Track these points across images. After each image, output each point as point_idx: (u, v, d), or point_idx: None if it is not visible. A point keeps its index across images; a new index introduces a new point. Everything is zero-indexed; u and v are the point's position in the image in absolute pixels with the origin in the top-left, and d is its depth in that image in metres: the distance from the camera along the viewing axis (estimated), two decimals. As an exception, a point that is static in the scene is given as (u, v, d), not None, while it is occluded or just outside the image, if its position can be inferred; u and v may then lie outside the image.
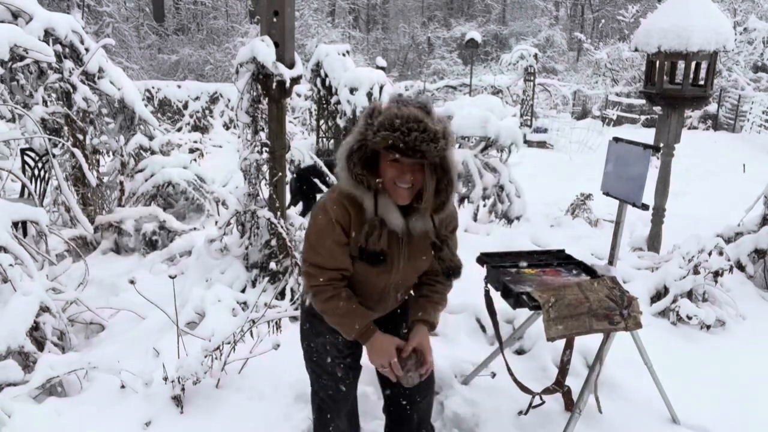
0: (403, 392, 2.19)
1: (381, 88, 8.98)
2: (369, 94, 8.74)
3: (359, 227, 1.80)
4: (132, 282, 2.94)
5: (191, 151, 8.71)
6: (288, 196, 4.73)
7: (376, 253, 1.79)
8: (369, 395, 2.87)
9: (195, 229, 5.43)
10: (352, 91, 8.68)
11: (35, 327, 3.11)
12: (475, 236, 5.30)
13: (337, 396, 2.14)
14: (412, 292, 2.12)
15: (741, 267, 4.54)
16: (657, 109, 11.75)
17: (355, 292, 1.92)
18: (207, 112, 13.82)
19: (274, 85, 3.62)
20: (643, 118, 16.89)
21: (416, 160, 1.68)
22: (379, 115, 1.67)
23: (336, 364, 2.09)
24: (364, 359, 2.11)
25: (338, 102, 8.89)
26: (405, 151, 1.64)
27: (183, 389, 2.73)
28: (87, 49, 5.16)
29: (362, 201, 1.77)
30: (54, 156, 4.84)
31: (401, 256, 1.89)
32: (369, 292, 1.95)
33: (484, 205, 6.00)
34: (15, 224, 3.49)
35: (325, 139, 9.60)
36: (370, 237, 1.77)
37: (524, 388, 2.62)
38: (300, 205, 5.99)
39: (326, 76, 9.12)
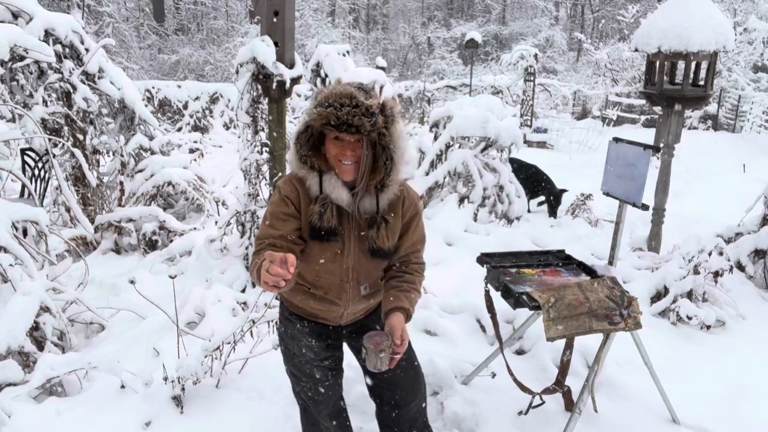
0: (389, 399, 2.18)
1: (381, 88, 8.97)
2: (369, 94, 8.72)
3: (307, 206, 1.84)
4: (132, 282, 2.94)
5: (191, 151, 8.71)
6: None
7: (326, 229, 1.81)
8: (368, 396, 2.87)
9: (195, 229, 5.43)
10: (352, 91, 8.67)
11: (35, 327, 3.11)
12: (475, 236, 5.30)
13: (317, 397, 2.14)
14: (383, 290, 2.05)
15: (741, 267, 4.54)
16: (657, 109, 11.75)
17: (315, 285, 1.94)
18: (207, 112, 13.81)
19: (274, 85, 3.63)
20: (643, 118, 16.89)
21: (353, 135, 1.71)
22: (320, 93, 1.74)
23: (313, 366, 2.09)
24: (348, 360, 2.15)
25: (338, 102, 8.88)
26: (339, 126, 1.69)
27: (183, 389, 2.74)
28: (87, 49, 5.16)
29: (307, 180, 1.83)
30: (54, 156, 4.85)
31: (351, 233, 1.88)
32: (328, 281, 1.93)
33: (484, 205, 6.00)
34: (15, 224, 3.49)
35: (325, 139, 9.59)
36: (322, 215, 1.81)
37: (524, 388, 2.62)
38: None
39: (326, 76, 9.09)
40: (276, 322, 2.19)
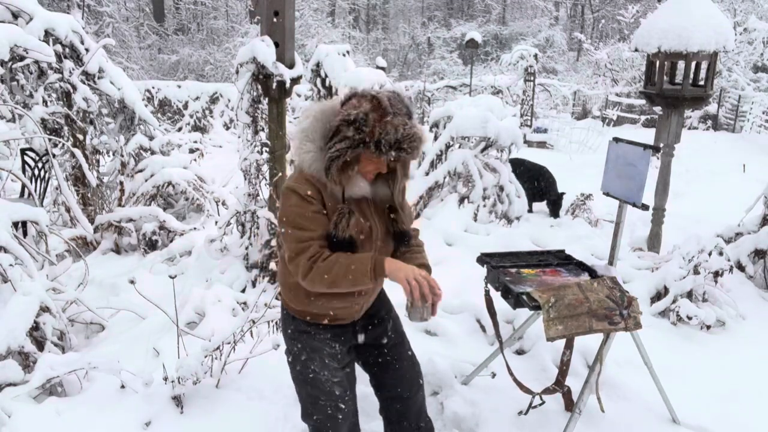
0: (395, 394, 2.21)
1: (381, 88, 8.96)
2: (369, 94, 8.72)
3: (334, 206, 1.85)
4: (132, 282, 2.94)
5: (191, 151, 8.70)
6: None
7: (345, 240, 1.84)
8: (368, 395, 2.86)
9: (195, 229, 5.43)
10: (352, 91, 8.68)
11: (35, 327, 3.11)
12: (475, 236, 5.30)
13: (339, 415, 2.04)
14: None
15: (741, 267, 4.54)
16: (657, 109, 11.75)
17: None
18: (207, 112, 13.80)
19: (274, 85, 3.63)
20: (643, 118, 16.88)
21: None
22: (373, 126, 1.74)
23: (333, 383, 2.01)
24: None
25: (338, 102, 8.89)
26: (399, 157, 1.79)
27: (183, 389, 2.73)
28: (87, 49, 5.16)
29: (328, 186, 1.84)
30: (54, 156, 4.85)
31: (375, 223, 1.94)
32: None
33: (484, 205, 6.00)
34: (15, 224, 3.49)
35: (325, 139, 9.59)
36: (339, 224, 1.82)
37: (524, 388, 2.62)
38: None
39: (326, 76, 9.10)
40: (286, 331, 2.10)
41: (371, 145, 1.74)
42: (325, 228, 1.84)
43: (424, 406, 2.32)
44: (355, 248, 1.86)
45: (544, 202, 6.75)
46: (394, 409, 2.26)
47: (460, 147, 6.28)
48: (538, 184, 6.65)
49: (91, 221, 5.17)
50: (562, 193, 6.57)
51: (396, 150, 1.74)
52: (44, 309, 3.17)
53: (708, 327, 3.83)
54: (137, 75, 19.74)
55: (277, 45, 3.59)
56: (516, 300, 2.46)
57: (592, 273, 2.71)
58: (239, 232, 4.12)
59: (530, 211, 6.60)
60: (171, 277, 2.97)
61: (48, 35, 4.76)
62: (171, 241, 5.14)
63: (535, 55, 13.85)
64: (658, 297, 4.11)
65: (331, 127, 1.80)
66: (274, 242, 3.90)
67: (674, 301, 3.93)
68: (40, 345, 3.14)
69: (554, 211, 6.57)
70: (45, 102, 4.92)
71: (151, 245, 5.19)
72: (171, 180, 5.74)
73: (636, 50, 4.67)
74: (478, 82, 17.36)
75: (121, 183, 5.69)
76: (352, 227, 1.84)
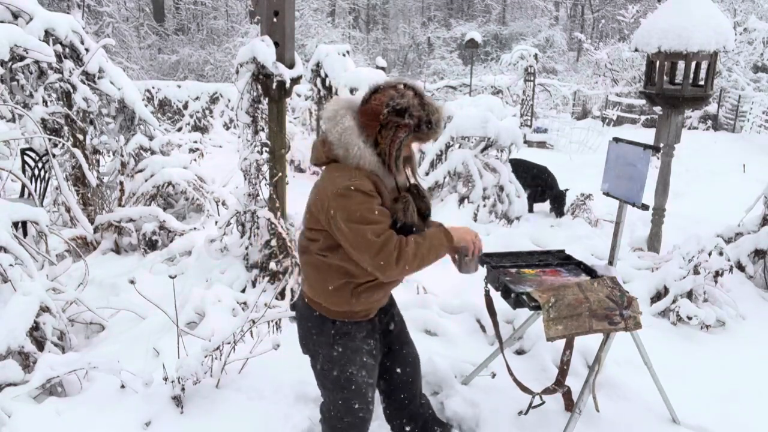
0: (403, 378, 2.30)
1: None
2: (369, 95, 8.72)
3: (384, 198, 1.93)
4: (132, 282, 2.94)
5: (191, 151, 8.70)
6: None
7: (408, 226, 1.95)
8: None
9: (195, 229, 5.43)
10: (352, 91, 8.68)
11: (35, 327, 3.11)
12: (475, 236, 5.29)
13: (366, 416, 2.10)
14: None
15: (741, 267, 4.54)
16: (657, 109, 11.75)
17: None
18: (207, 112, 13.80)
19: (274, 85, 3.63)
20: (643, 118, 16.88)
21: None
22: (417, 111, 1.87)
23: (368, 385, 2.07)
24: None
25: (338, 102, 8.89)
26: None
27: (183, 389, 2.73)
28: (87, 49, 5.16)
29: (383, 179, 1.93)
30: (54, 156, 4.84)
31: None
32: None
33: (484, 205, 6.00)
34: (15, 224, 3.49)
35: (325, 139, 9.58)
36: (406, 212, 1.95)
37: (524, 388, 2.62)
38: None
39: (326, 76, 9.11)
40: (322, 338, 2.07)
41: (423, 127, 1.88)
42: (389, 218, 1.90)
43: (421, 388, 2.44)
44: (413, 232, 1.96)
45: (545, 203, 6.74)
46: (399, 394, 2.32)
47: (460, 147, 6.29)
48: (540, 184, 6.64)
49: (91, 221, 5.17)
50: (566, 190, 6.54)
51: (437, 127, 1.91)
52: (44, 309, 3.17)
53: (708, 327, 3.83)
54: (137, 75, 19.74)
55: (277, 45, 3.59)
56: (516, 300, 2.46)
57: (592, 273, 2.71)
58: (239, 232, 4.12)
59: (531, 211, 6.59)
60: (171, 277, 2.97)
61: (48, 35, 4.76)
62: (171, 241, 5.14)
63: (535, 55, 13.85)
64: (658, 297, 4.11)
65: (380, 120, 1.87)
66: (273, 242, 3.90)
67: (674, 301, 3.93)
68: (40, 345, 3.14)
69: (558, 209, 6.54)
70: (45, 102, 4.92)
71: (151, 245, 5.19)
72: (171, 180, 5.74)
73: (636, 50, 4.67)
74: (478, 82, 17.37)
75: (121, 183, 5.69)
76: (414, 212, 1.96)
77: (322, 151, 1.96)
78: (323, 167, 2.01)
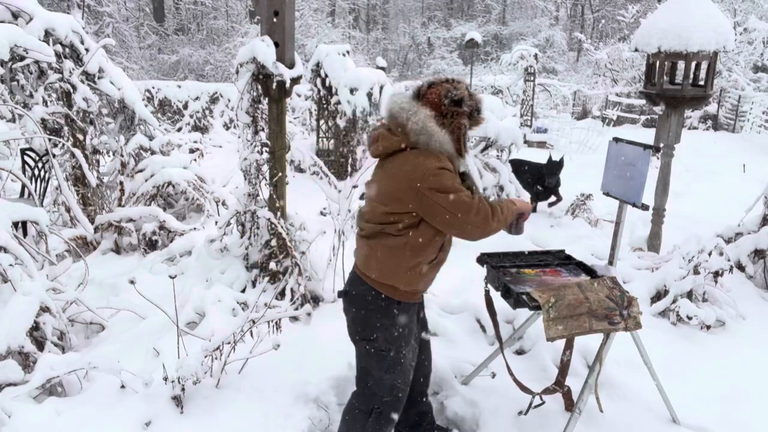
0: (419, 361, 2.49)
1: (381, 88, 8.97)
2: (369, 95, 8.73)
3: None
4: (132, 282, 2.94)
5: (191, 151, 8.70)
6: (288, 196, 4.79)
7: None
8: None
9: (195, 229, 5.43)
10: (352, 91, 8.68)
11: (35, 327, 3.11)
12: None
13: (404, 397, 2.30)
14: None
15: (741, 267, 4.54)
16: (657, 109, 11.74)
17: (443, 247, 2.25)
18: (207, 112, 13.80)
19: (274, 85, 3.62)
20: (643, 118, 16.88)
21: None
22: (469, 101, 2.15)
23: (410, 368, 2.29)
24: None
25: (338, 102, 8.89)
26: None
27: (183, 389, 2.74)
28: (87, 49, 5.16)
29: (453, 161, 2.18)
30: (54, 156, 4.84)
31: None
32: (448, 240, 2.30)
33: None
34: (15, 224, 3.49)
35: (325, 139, 9.58)
36: (469, 188, 2.21)
37: (524, 388, 2.62)
38: None
39: (326, 76, 9.11)
40: (386, 319, 2.23)
41: (474, 114, 2.16)
42: None
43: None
44: None
45: (544, 202, 6.73)
46: (419, 377, 2.50)
47: (460, 147, 6.26)
48: (542, 183, 6.60)
49: (91, 221, 5.17)
50: (561, 158, 6.63)
51: (482, 115, 2.20)
52: (44, 309, 3.17)
53: (708, 327, 3.83)
54: (137, 75, 19.74)
55: (277, 45, 3.59)
56: (516, 300, 2.46)
57: (592, 273, 2.71)
58: (239, 232, 4.12)
59: (534, 210, 6.58)
60: (171, 277, 2.97)
61: (48, 35, 4.76)
62: (171, 241, 5.14)
63: (535, 55, 13.84)
64: (658, 297, 4.11)
65: (441, 111, 2.11)
66: (273, 242, 3.90)
67: (674, 301, 3.93)
68: (40, 345, 3.14)
69: (555, 194, 6.65)
70: (45, 102, 4.92)
71: (151, 245, 5.19)
72: (171, 180, 5.74)
73: (636, 50, 4.66)
74: (478, 82, 17.37)
75: (121, 183, 5.69)
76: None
77: (395, 140, 2.14)
78: (388, 157, 2.20)
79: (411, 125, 2.09)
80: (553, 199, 6.76)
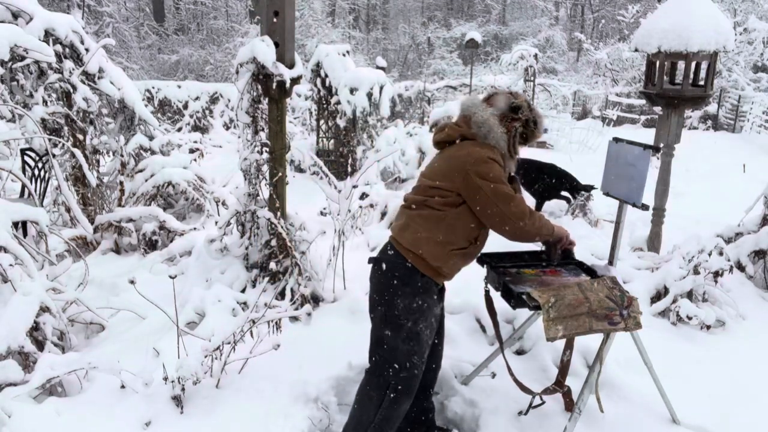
0: (435, 350, 2.63)
1: (381, 88, 8.97)
2: (369, 95, 8.73)
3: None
4: (132, 282, 2.94)
5: (191, 151, 8.70)
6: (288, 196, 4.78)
7: None
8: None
9: (195, 229, 5.43)
10: (352, 91, 8.69)
11: (35, 327, 3.11)
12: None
13: (420, 374, 2.38)
14: None
15: (741, 267, 4.54)
16: (657, 109, 11.74)
17: (476, 241, 2.41)
18: (207, 112, 13.80)
19: (274, 85, 3.62)
20: (643, 118, 16.88)
21: None
22: (526, 111, 2.43)
23: (428, 345, 2.40)
24: None
25: (338, 102, 8.90)
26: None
27: (183, 389, 2.74)
28: (87, 49, 5.16)
29: (505, 160, 2.41)
30: (54, 156, 4.84)
31: None
32: (486, 233, 2.46)
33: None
34: (15, 224, 3.49)
35: (325, 139, 9.59)
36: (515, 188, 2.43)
37: (524, 388, 2.62)
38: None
39: (326, 76, 9.11)
40: (409, 286, 2.34)
41: (530, 125, 2.43)
42: None
43: None
44: None
45: (552, 202, 6.59)
46: (431, 364, 2.59)
47: (460, 147, 6.25)
48: (549, 181, 6.40)
49: (91, 221, 5.17)
50: (592, 186, 6.01)
51: (540, 128, 2.45)
52: (44, 309, 3.17)
53: (708, 327, 3.83)
54: (137, 75, 19.74)
55: (277, 45, 3.59)
56: (516, 300, 2.46)
57: (592, 273, 2.71)
58: (239, 232, 4.12)
59: (539, 210, 6.53)
60: (171, 277, 2.97)
61: (48, 35, 4.76)
62: (171, 241, 5.14)
63: (535, 55, 13.84)
64: (658, 297, 4.11)
65: (503, 113, 2.40)
66: (273, 242, 3.90)
67: (674, 301, 3.93)
68: (40, 345, 3.14)
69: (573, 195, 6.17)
70: (45, 102, 4.92)
71: (151, 245, 5.19)
72: (171, 180, 5.74)
73: (636, 50, 4.66)
74: (478, 82, 17.36)
75: (121, 183, 5.69)
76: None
77: (457, 130, 2.42)
78: (447, 145, 2.45)
79: (476, 118, 2.37)
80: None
